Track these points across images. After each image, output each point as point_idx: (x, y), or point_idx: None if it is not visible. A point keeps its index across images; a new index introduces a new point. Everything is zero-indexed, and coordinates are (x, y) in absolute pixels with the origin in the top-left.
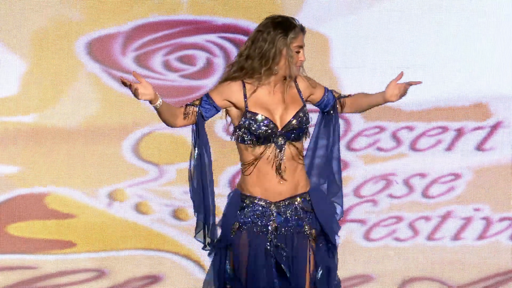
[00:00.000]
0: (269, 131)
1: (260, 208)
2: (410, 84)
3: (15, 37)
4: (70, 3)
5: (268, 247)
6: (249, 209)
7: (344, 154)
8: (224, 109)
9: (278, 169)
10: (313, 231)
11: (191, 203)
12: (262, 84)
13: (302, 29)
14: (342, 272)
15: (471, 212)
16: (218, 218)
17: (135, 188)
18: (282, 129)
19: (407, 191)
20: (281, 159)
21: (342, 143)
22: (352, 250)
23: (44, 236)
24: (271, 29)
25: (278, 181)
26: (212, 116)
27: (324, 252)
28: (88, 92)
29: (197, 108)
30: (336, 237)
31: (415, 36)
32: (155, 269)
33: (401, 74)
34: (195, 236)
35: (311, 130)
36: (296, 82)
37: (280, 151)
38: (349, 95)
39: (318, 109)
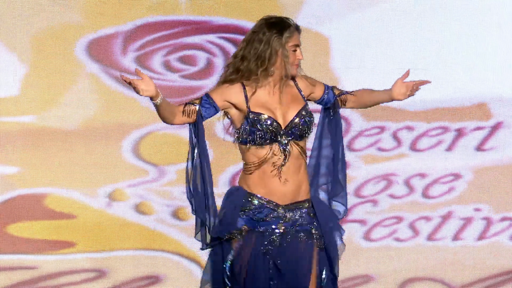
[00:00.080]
0: (273, 130)
1: (269, 211)
2: (417, 84)
3: (15, 37)
4: (70, 4)
5: (271, 248)
6: (257, 211)
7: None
8: (223, 112)
9: (284, 168)
10: (319, 236)
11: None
12: (261, 85)
13: (297, 28)
14: (343, 272)
15: (471, 213)
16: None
17: (135, 188)
18: (285, 128)
19: (408, 191)
20: (285, 159)
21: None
22: (353, 250)
23: (44, 236)
24: (266, 30)
25: (282, 181)
26: (210, 116)
27: (325, 258)
28: (88, 92)
29: (197, 107)
30: (339, 243)
31: (416, 37)
32: (155, 269)
33: (407, 73)
34: (195, 236)
35: (314, 129)
36: (296, 81)
37: (284, 150)
38: (352, 92)
39: (319, 109)
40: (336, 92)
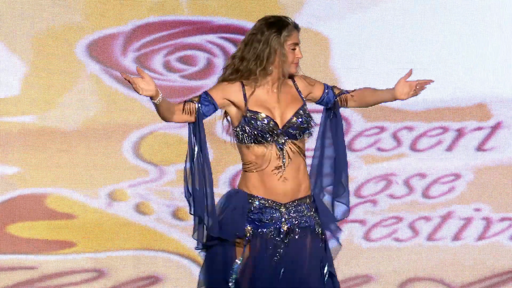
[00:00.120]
0: (270, 129)
1: (271, 210)
2: (420, 83)
3: (16, 38)
4: (71, 4)
5: (277, 250)
6: (259, 212)
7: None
8: (223, 112)
9: (282, 167)
10: (321, 232)
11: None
12: (260, 84)
13: (296, 27)
14: (342, 272)
15: (471, 213)
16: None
17: (135, 188)
18: (282, 127)
19: (408, 191)
20: (283, 158)
21: None
22: (353, 251)
23: (44, 237)
24: (265, 30)
25: (281, 181)
26: (210, 114)
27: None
28: (88, 92)
29: (197, 105)
30: (334, 242)
31: (416, 37)
32: (155, 269)
33: (410, 72)
34: (193, 235)
35: (315, 130)
36: (295, 81)
37: (281, 150)
38: (353, 91)
39: (320, 110)
40: (336, 92)
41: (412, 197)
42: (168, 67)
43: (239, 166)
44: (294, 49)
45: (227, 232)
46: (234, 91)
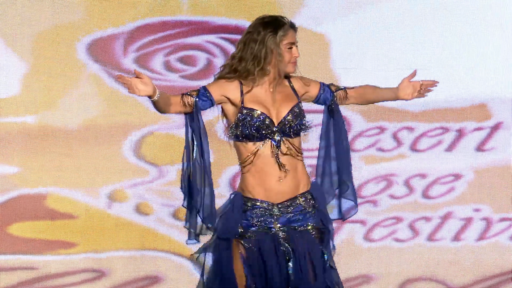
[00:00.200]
0: (266, 126)
1: (263, 211)
2: (424, 84)
3: (16, 38)
4: (71, 4)
5: (275, 248)
6: (252, 212)
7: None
8: (221, 113)
9: (279, 166)
10: (316, 230)
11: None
12: (257, 84)
13: (292, 26)
14: (343, 272)
15: (471, 213)
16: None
17: (135, 188)
18: (278, 124)
19: (408, 191)
20: (278, 156)
21: None
22: (353, 251)
23: (44, 237)
24: (261, 29)
25: (278, 180)
26: (205, 109)
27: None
28: (89, 93)
29: (195, 99)
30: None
31: (416, 37)
32: (155, 269)
33: (414, 72)
34: (185, 225)
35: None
36: (291, 82)
37: (277, 147)
38: (353, 87)
39: (321, 110)
40: (333, 89)
41: (412, 197)
42: (168, 67)
43: (239, 167)
44: (290, 48)
45: (222, 231)
46: (231, 88)
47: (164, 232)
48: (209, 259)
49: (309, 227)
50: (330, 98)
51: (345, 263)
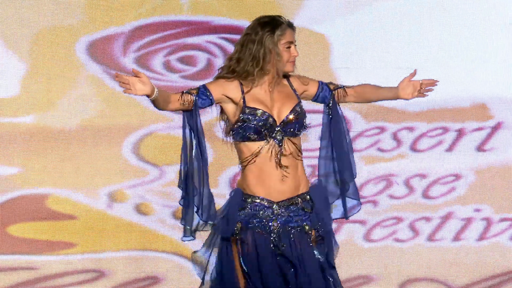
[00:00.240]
0: (269, 125)
1: (262, 208)
2: (424, 84)
3: (16, 38)
4: (71, 4)
5: (273, 247)
6: (251, 209)
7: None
8: (219, 113)
9: (279, 165)
10: (313, 231)
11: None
12: (257, 84)
13: (290, 25)
14: (343, 273)
15: (471, 213)
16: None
17: (135, 189)
18: (280, 123)
19: (408, 191)
20: (280, 155)
21: None
22: (353, 251)
23: (44, 237)
24: (259, 30)
25: (280, 179)
26: (204, 108)
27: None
28: (89, 93)
29: (194, 98)
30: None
31: (416, 37)
32: (155, 270)
33: (415, 72)
34: (180, 222)
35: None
36: (290, 81)
37: (279, 146)
38: (352, 86)
39: (321, 110)
40: (332, 87)
41: (412, 197)
42: (168, 67)
43: (239, 166)
44: (289, 48)
45: (223, 231)
46: (232, 88)
47: (164, 232)
48: (211, 259)
49: (306, 228)
50: (329, 96)
51: (345, 263)
